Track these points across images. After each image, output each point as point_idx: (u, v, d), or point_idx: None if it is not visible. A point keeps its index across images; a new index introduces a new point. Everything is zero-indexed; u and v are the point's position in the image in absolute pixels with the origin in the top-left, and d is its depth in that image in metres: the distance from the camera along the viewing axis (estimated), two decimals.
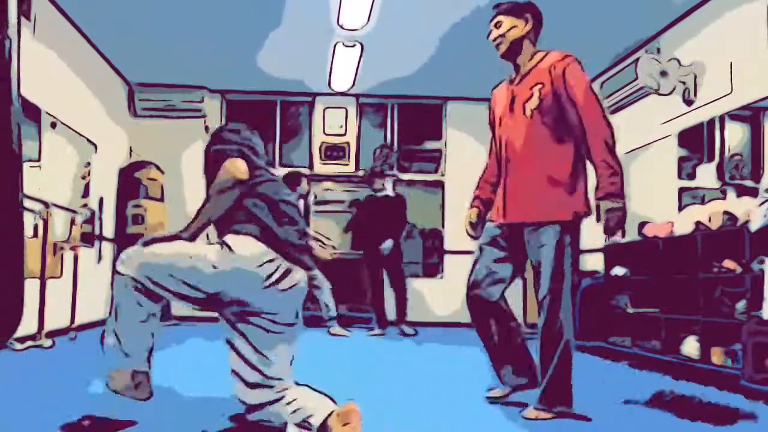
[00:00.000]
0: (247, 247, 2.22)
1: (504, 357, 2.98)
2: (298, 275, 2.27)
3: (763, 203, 3.73)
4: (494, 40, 2.91)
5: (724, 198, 4.65)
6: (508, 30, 2.85)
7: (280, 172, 6.46)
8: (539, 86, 2.74)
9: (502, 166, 2.87)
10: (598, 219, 2.64)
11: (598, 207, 2.64)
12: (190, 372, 3.75)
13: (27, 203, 4.69)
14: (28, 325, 4.62)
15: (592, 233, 7.29)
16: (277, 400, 2.18)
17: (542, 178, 2.71)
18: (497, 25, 2.89)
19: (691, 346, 4.32)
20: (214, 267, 2.18)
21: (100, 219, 6.53)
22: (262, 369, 2.19)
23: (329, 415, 2.04)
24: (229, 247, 2.22)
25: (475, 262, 2.96)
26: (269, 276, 2.19)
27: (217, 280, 2.18)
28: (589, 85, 2.71)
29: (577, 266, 2.79)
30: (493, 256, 2.92)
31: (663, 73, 5.30)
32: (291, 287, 2.24)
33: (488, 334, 2.94)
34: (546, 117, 2.71)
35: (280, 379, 2.21)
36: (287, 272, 2.23)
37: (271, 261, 2.21)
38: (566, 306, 2.73)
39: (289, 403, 2.15)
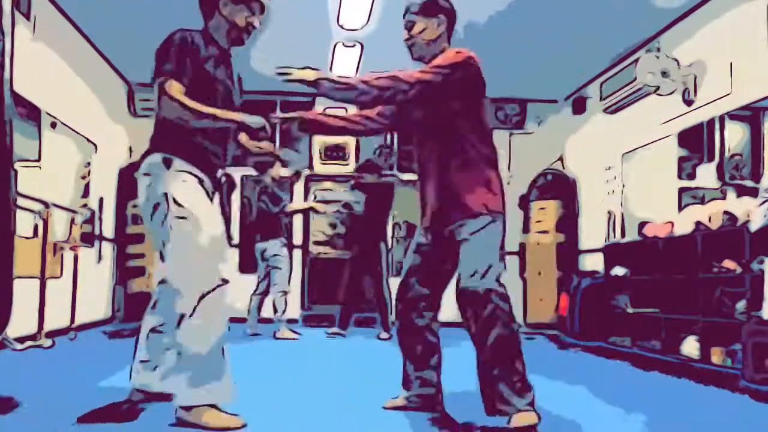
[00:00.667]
0: None
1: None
2: None
3: (763, 203, 3.73)
4: (406, 41, 2.80)
5: (724, 198, 4.65)
6: (421, 32, 2.75)
7: (280, 172, 6.47)
8: None
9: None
10: None
11: None
12: None
13: (27, 203, 4.70)
14: (28, 325, 4.63)
15: (592, 234, 7.32)
16: None
17: (443, 178, 2.70)
18: (408, 27, 2.77)
19: (691, 346, 4.32)
20: None
21: (100, 219, 6.53)
22: None
23: None
24: None
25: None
26: None
27: None
28: (442, 59, 2.66)
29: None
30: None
31: (663, 73, 5.30)
32: None
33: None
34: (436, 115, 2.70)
35: None
36: None
37: None
38: None
39: None
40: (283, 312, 6.03)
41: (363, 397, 3.12)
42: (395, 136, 8.01)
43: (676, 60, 5.30)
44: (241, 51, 6.90)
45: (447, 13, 2.80)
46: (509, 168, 7.92)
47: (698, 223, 4.44)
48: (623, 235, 6.23)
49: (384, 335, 5.96)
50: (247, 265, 7.70)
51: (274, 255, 6.06)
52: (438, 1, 2.78)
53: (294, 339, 5.89)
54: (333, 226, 7.84)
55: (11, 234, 1.96)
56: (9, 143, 1.84)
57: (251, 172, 7.87)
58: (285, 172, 6.46)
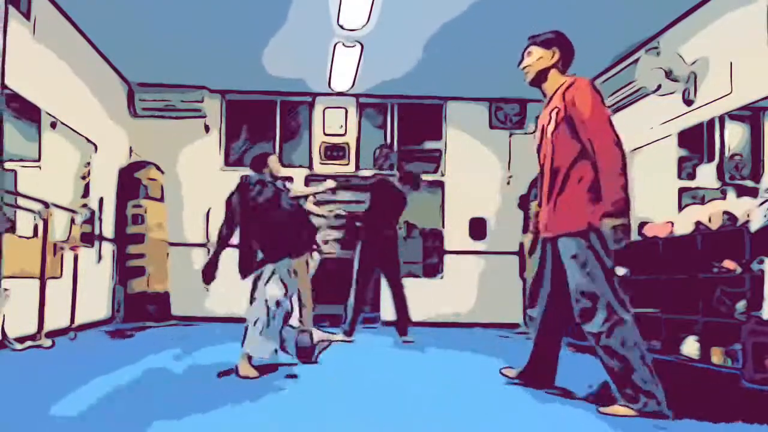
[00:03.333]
0: None
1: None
2: None
3: (763, 203, 3.73)
4: (523, 68, 3.18)
5: (724, 198, 4.65)
6: (536, 60, 3.11)
7: (281, 172, 6.45)
8: (555, 110, 2.96)
9: (541, 187, 3.15)
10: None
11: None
12: (189, 372, 3.74)
13: (27, 203, 4.71)
14: (28, 325, 4.63)
15: None
16: None
17: (564, 194, 2.92)
18: (528, 54, 3.15)
19: (691, 346, 4.32)
20: None
21: (100, 219, 6.53)
22: None
23: None
24: None
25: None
26: None
27: None
28: (595, 107, 2.82)
29: (609, 274, 2.84)
30: (546, 268, 3.20)
31: (663, 73, 5.30)
32: None
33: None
34: (564, 138, 2.90)
35: None
36: None
37: None
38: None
39: None
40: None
41: (371, 399, 3.12)
42: (395, 135, 8.01)
43: (676, 60, 5.30)
44: (246, 52, 6.95)
45: (563, 45, 3.12)
46: (509, 168, 7.93)
47: (698, 223, 4.44)
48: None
49: (409, 338, 5.76)
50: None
51: None
52: (556, 36, 3.14)
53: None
54: (333, 227, 7.83)
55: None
56: None
57: (249, 172, 7.89)
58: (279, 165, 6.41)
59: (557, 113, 2.93)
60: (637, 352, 2.71)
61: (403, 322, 5.90)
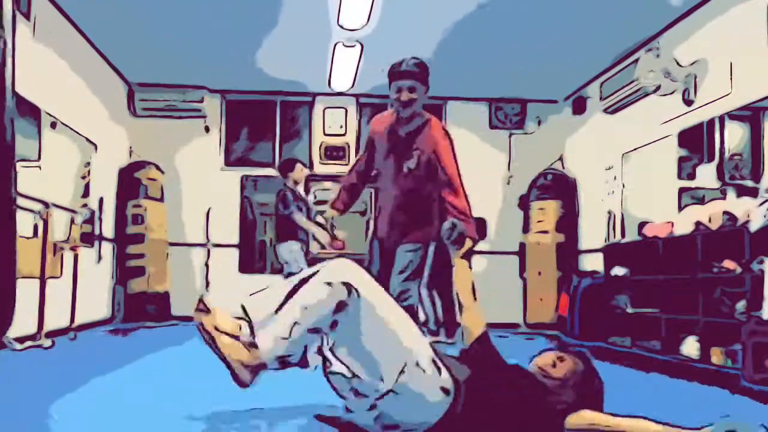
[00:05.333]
0: None
1: None
2: None
3: (763, 203, 3.73)
4: (405, 102, 3.35)
5: (724, 198, 4.65)
6: (421, 96, 3.37)
7: (303, 173, 6.47)
8: (418, 152, 3.27)
9: (379, 194, 3.56)
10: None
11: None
12: (189, 371, 3.74)
13: (27, 203, 4.70)
14: (28, 325, 4.63)
15: (591, 234, 7.33)
16: None
17: (410, 216, 3.37)
18: (411, 90, 3.35)
19: (691, 346, 4.32)
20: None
21: (100, 219, 6.53)
22: None
23: None
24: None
25: None
26: None
27: None
28: (452, 160, 3.29)
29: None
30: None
31: (663, 73, 5.30)
32: None
33: None
34: (418, 176, 3.29)
35: None
36: None
37: None
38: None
39: None
40: None
41: None
42: None
43: (676, 60, 5.30)
44: (246, 52, 6.96)
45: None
46: (509, 168, 7.93)
47: (698, 223, 4.44)
48: (623, 235, 6.23)
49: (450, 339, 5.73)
50: (246, 265, 7.72)
51: (285, 258, 6.07)
52: (427, 69, 3.53)
53: None
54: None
55: (13, 234, 1.95)
56: (11, 142, 1.84)
57: (250, 172, 7.90)
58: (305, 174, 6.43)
59: (420, 155, 3.30)
60: None
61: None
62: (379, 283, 2.19)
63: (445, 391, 2.02)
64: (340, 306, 2.00)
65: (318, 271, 2.10)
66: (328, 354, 2.09)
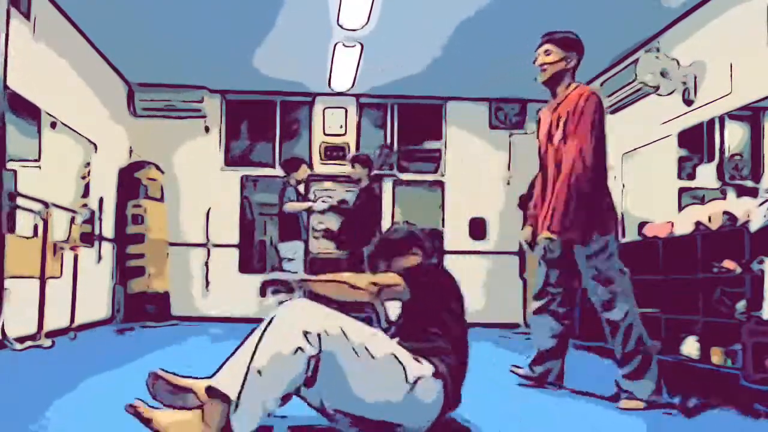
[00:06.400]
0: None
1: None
2: None
3: (763, 203, 3.72)
4: (539, 65, 3.11)
5: (724, 198, 4.65)
6: (556, 61, 3.05)
7: (306, 174, 6.49)
8: (563, 119, 2.96)
9: (546, 186, 3.15)
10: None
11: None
12: (189, 371, 3.74)
13: (27, 203, 4.70)
14: (28, 325, 4.62)
15: None
16: None
17: (571, 200, 2.91)
18: (546, 53, 3.08)
19: (691, 346, 4.31)
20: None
21: (100, 219, 6.53)
22: None
23: None
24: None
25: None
26: None
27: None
28: (595, 121, 2.88)
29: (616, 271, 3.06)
30: (549, 267, 3.27)
31: (663, 73, 5.30)
32: None
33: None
34: (568, 146, 2.92)
35: None
36: None
37: None
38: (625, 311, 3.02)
39: None
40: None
41: None
42: (395, 135, 8.01)
43: (676, 60, 5.30)
44: (246, 52, 6.97)
45: (580, 51, 3.10)
46: (509, 168, 7.93)
47: (698, 223, 4.44)
48: (623, 235, 6.22)
49: None
50: (246, 265, 7.72)
51: (286, 256, 6.08)
52: (576, 39, 3.11)
53: None
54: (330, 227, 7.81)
55: (1, 232, 1.94)
56: (1, 139, 1.84)
57: (250, 172, 7.90)
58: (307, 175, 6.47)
59: (565, 122, 2.94)
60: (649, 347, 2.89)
61: None
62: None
63: (435, 375, 2.01)
64: (310, 362, 1.81)
65: (271, 322, 1.87)
66: (322, 407, 1.96)
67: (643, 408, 2.83)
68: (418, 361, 1.99)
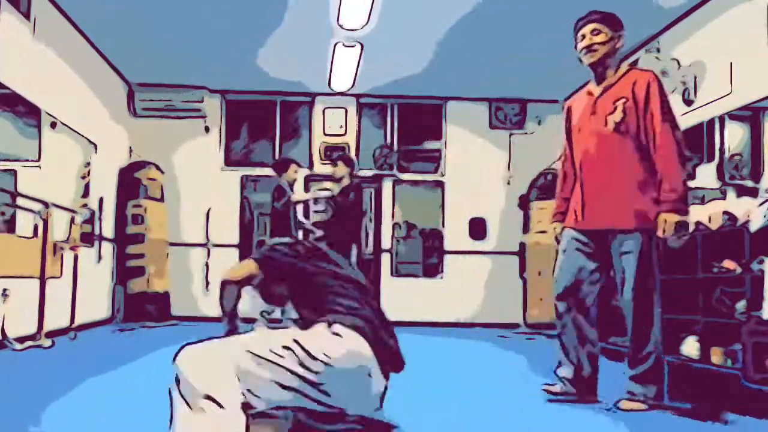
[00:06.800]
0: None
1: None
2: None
3: (763, 203, 3.72)
4: (588, 46, 2.90)
5: (724, 198, 4.65)
6: (606, 41, 2.87)
7: (297, 175, 6.50)
8: (623, 101, 2.81)
9: (579, 175, 2.95)
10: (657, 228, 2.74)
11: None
12: None
13: (27, 203, 4.70)
14: (28, 325, 4.63)
15: None
16: None
17: (624, 187, 2.79)
18: (594, 32, 2.88)
19: (691, 346, 4.31)
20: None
21: (100, 219, 6.54)
22: None
23: None
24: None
25: (560, 268, 3.06)
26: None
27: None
28: (666, 102, 2.79)
29: (657, 271, 2.93)
30: (578, 261, 3.00)
31: (663, 73, 5.30)
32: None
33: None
34: (628, 130, 2.79)
35: None
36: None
37: None
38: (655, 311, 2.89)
39: None
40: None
41: None
42: (395, 135, 8.01)
43: (676, 60, 5.30)
44: (246, 52, 6.97)
45: (623, 30, 2.94)
46: (509, 168, 7.93)
47: (698, 223, 4.44)
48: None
49: None
50: None
51: None
52: (619, 19, 2.94)
53: None
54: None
55: None
56: None
57: (250, 172, 7.89)
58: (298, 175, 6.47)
59: (625, 103, 2.79)
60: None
61: None
62: None
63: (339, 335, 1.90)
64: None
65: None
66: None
67: (645, 410, 2.82)
68: (338, 335, 1.90)
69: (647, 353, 2.85)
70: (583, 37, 2.92)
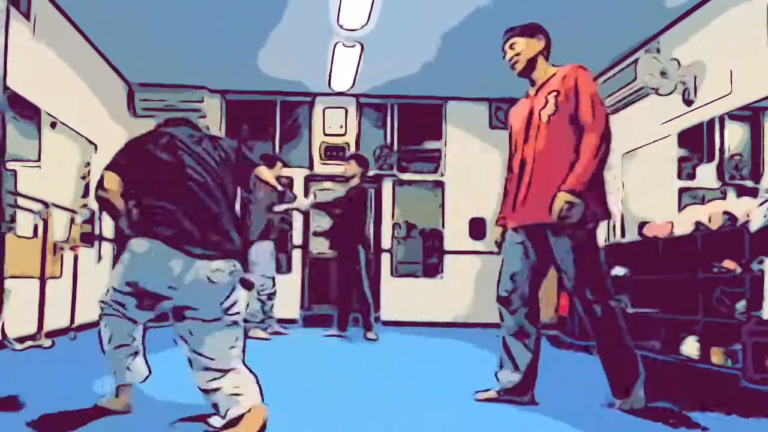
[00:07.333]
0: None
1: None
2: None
3: (763, 203, 3.73)
4: (510, 59, 3.09)
5: (724, 198, 4.65)
6: (524, 49, 3.04)
7: (281, 172, 6.49)
8: (554, 94, 2.87)
9: (520, 174, 2.96)
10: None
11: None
12: (189, 371, 3.74)
13: (27, 203, 4.70)
14: (28, 325, 4.62)
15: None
16: (218, 389, 2.27)
17: (558, 180, 2.76)
18: (511, 46, 3.08)
19: (691, 346, 4.32)
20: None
21: (100, 219, 6.53)
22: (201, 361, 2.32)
23: (246, 412, 2.19)
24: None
25: (500, 271, 3.21)
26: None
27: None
28: (594, 92, 2.82)
29: (599, 262, 2.91)
30: (515, 263, 3.11)
31: (663, 73, 5.30)
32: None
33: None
34: (561, 122, 2.82)
35: (219, 370, 2.28)
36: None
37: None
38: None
39: (228, 394, 2.25)
40: (257, 311, 5.97)
41: (358, 397, 3.13)
42: (395, 135, 8.01)
43: (676, 60, 5.30)
44: (246, 52, 6.95)
45: (545, 33, 3.12)
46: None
47: (698, 223, 4.44)
48: (623, 235, 6.23)
49: (371, 335, 5.89)
50: (246, 264, 7.71)
51: (254, 259, 6.00)
52: (536, 24, 3.15)
53: (266, 339, 5.78)
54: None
55: (1, 232, 1.95)
56: (2, 137, 1.85)
57: None
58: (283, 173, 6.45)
59: (556, 96, 2.84)
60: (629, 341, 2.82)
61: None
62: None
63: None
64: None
65: None
66: None
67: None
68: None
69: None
70: (505, 53, 3.12)
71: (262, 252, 5.94)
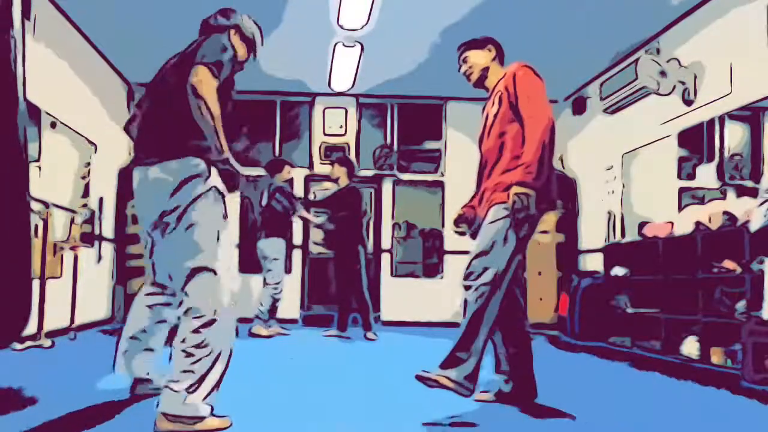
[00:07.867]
0: None
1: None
2: None
3: (763, 203, 3.73)
4: (465, 72, 3.25)
5: (724, 198, 4.66)
6: (475, 61, 3.22)
7: (290, 175, 6.50)
8: (498, 94, 3.03)
9: (480, 173, 3.13)
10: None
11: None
12: None
13: None
14: (28, 325, 4.62)
15: (591, 234, 7.32)
16: None
17: (500, 173, 2.92)
18: (465, 60, 3.26)
19: (691, 346, 4.32)
20: None
21: (100, 219, 6.53)
22: None
23: None
24: None
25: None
26: None
27: None
28: (533, 89, 2.92)
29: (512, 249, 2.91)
30: None
31: (663, 73, 5.30)
32: None
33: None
34: (506, 119, 2.95)
35: None
36: None
37: None
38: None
39: None
40: (267, 310, 6.01)
41: (357, 397, 3.13)
42: (395, 135, 8.01)
43: (676, 60, 5.30)
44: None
45: (494, 43, 3.29)
46: None
47: (698, 223, 4.45)
48: (623, 235, 6.23)
49: (371, 335, 5.92)
50: (246, 265, 7.72)
51: (266, 254, 6.07)
52: (485, 37, 3.30)
53: (268, 337, 5.85)
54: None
55: (29, 238, 1.96)
56: (24, 149, 1.86)
57: (250, 172, 7.89)
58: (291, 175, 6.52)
59: (500, 96, 2.99)
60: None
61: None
62: None
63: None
64: None
65: None
66: None
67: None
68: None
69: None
70: (460, 67, 3.28)
71: (276, 249, 6.02)
